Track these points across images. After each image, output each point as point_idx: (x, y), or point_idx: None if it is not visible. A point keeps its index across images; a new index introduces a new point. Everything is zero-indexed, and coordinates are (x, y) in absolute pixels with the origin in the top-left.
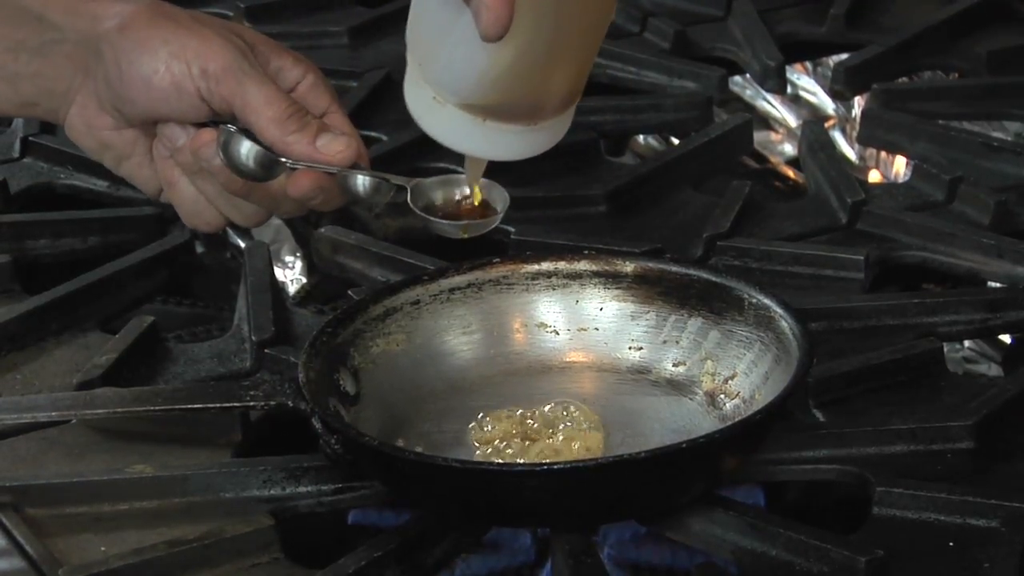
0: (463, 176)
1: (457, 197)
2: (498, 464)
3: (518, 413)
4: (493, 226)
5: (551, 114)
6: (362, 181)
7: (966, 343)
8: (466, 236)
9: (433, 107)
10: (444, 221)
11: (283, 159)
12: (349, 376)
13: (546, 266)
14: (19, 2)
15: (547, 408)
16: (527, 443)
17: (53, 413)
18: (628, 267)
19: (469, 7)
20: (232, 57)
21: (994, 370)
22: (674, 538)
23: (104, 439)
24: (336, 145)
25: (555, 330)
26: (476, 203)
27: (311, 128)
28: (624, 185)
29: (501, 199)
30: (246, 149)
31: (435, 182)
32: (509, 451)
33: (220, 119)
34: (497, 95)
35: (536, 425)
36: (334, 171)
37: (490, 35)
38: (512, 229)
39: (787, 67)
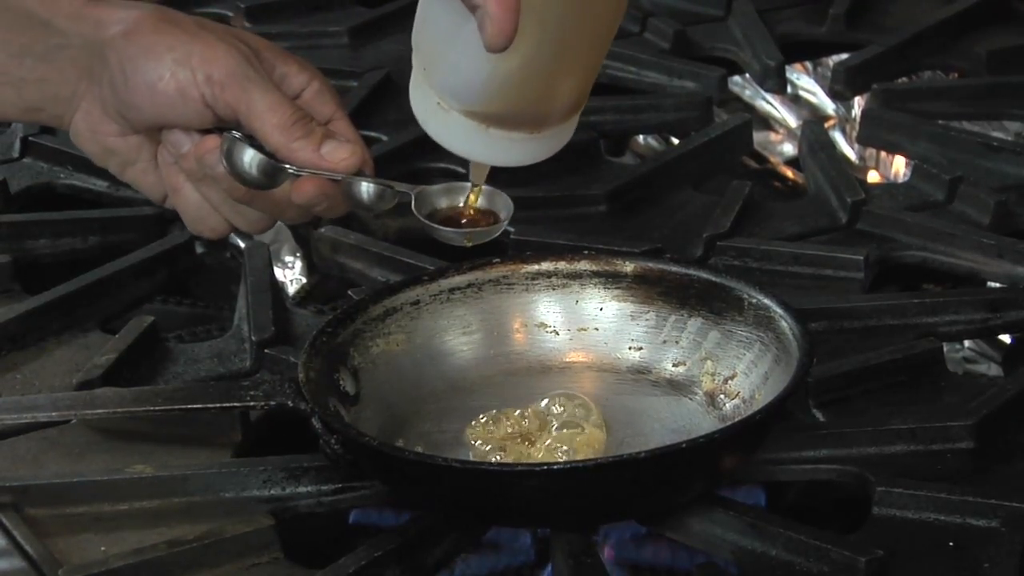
0: (467, 184)
1: (461, 205)
2: (498, 464)
3: (516, 413)
4: (497, 234)
5: (555, 122)
6: (366, 188)
7: (966, 343)
8: (470, 244)
9: (437, 112)
10: (448, 229)
11: (287, 166)
12: (349, 376)
13: (546, 266)
14: (25, 7)
15: (543, 403)
16: (526, 442)
17: (53, 413)
18: (628, 267)
19: (474, 16)
20: (237, 63)
21: (994, 370)
22: (674, 538)
23: (104, 439)
24: (340, 152)
25: (555, 330)
26: (474, 204)
27: (316, 135)
28: (624, 185)
29: (505, 207)
30: (249, 157)
31: (439, 190)
32: (508, 450)
33: (225, 125)
34: (501, 103)
35: (531, 424)
36: (338, 178)
37: (494, 46)
38: (512, 229)
39: (787, 67)
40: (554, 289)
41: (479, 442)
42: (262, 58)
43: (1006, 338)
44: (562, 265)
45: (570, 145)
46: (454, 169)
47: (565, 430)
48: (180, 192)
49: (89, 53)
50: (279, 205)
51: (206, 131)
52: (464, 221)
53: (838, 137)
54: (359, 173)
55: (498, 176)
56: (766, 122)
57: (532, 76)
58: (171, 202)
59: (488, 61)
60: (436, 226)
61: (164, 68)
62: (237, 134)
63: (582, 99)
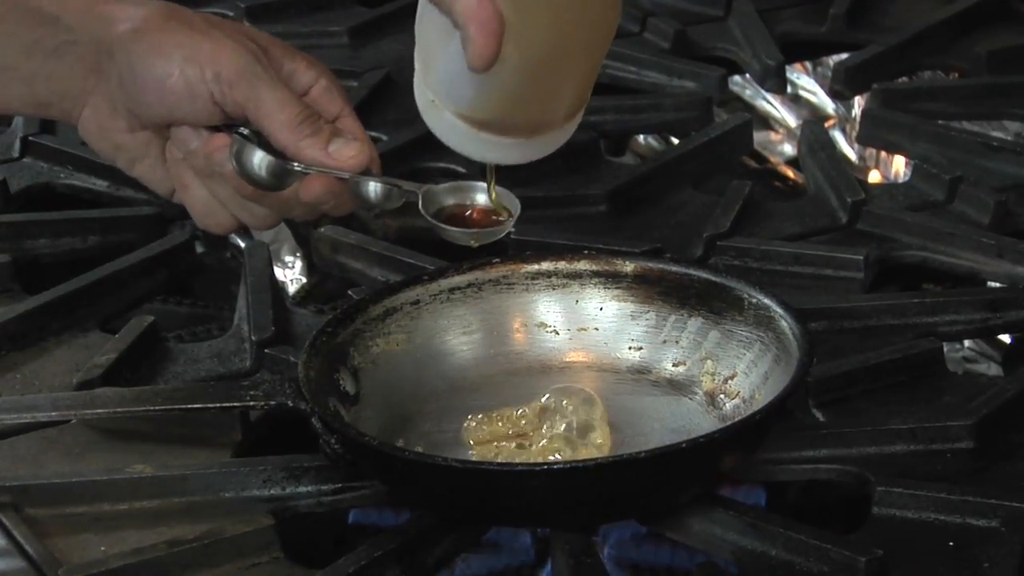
0: (474, 183)
1: (468, 204)
2: (498, 464)
3: (518, 412)
4: (504, 234)
5: (549, 129)
6: (373, 187)
7: (966, 343)
8: (476, 244)
9: (433, 108)
10: (454, 228)
11: (295, 165)
12: (349, 376)
13: (546, 266)
14: (34, 4)
15: (544, 398)
16: (522, 440)
17: (53, 413)
18: (628, 267)
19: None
20: (245, 61)
21: (994, 370)
22: (674, 538)
23: (104, 439)
24: (348, 151)
25: (555, 330)
26: (494, 203)
27: (324, 133)
28: (624, 185)
29: (512, 206)
30: (258, 159)
31: (446, 189)
32: (503, 448)
33: (233, 122)
34: (489, 113)
35: (528, 423)
36: (346, 176)
37: (476, 67)
38: (512, 229)
39: (787, 67)
40: (554, 289)
41: (473, 440)
42: (270, 55)
43: (1006, 338)
44: (562, 265)
45: (570, 145)
46: (454, 168)
47: (575, 433)
48: (188, 188)
49: (98, 50)
50: (287, 203)
51: (214, 128)
52: (471, 220)
53: (838, 137)
54: (366, 172)
55: (499, 174)
56: (766, 122)
57: (518, 92)
58: (179, 197)
59: (475, 75)
60: (443, 225)
61: (173, 66)
62: (245, 131)
63: (579, 106)
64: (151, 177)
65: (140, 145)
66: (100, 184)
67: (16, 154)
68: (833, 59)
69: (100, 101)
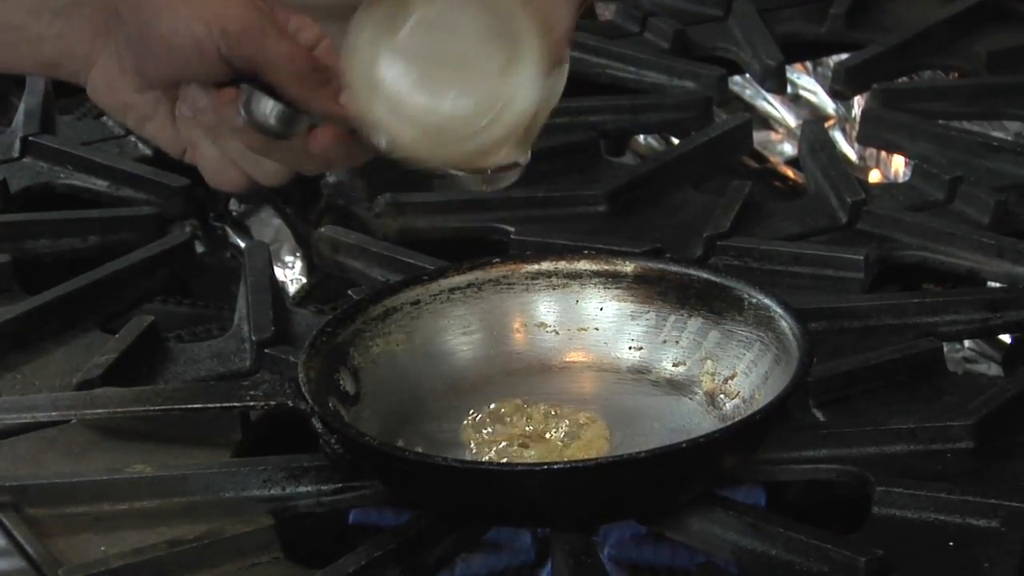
0: None
1: None
2: (498, 464)
3: (518, 412)
4: (513, 180)
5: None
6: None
7: (966, 343)
8: (488, 189)
9: None
10: (464, 173)
11: (306, 114)
12: (349, 376)
13: (546, 266)
14: None
15: (542, 408)
16: (526, 441)
17: (53, 413)
18: (628, 267)
19: None
20: (252, 16)
21: (994, 370)
22: (674, 538)
23: (104, 439)
24: None
25: (555, 330)
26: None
27: (333, 83)
28: (624, 185)
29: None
30: (269, 107)
31: None
32: (507, 449)
33: (241, 79)
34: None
35: (528, 424)
36: (357, 127)
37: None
38: (512, 229)
39: (787, 67)
40: (554, 289)
41: (473, 440)
42: (275, 11)
43: (1006, 338)
44: (562, 265)
45: (570, 145)
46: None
47: (567, 433)
48: (198, 147)
49: (105, 10)
50: (297, 156)
51: (223, 85)
52: None
53: (838, 137)
54: None
55: None
56: (766, 122)
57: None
58: (189, 157)
59: None
60: (453, 170)
61: (179, 23)
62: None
63: (527, 142)
64: (161, 137)
65: (149, 105)
66: (100, 184)
67: (16, 154)
68: (833, 59)
69: (108, 61)
